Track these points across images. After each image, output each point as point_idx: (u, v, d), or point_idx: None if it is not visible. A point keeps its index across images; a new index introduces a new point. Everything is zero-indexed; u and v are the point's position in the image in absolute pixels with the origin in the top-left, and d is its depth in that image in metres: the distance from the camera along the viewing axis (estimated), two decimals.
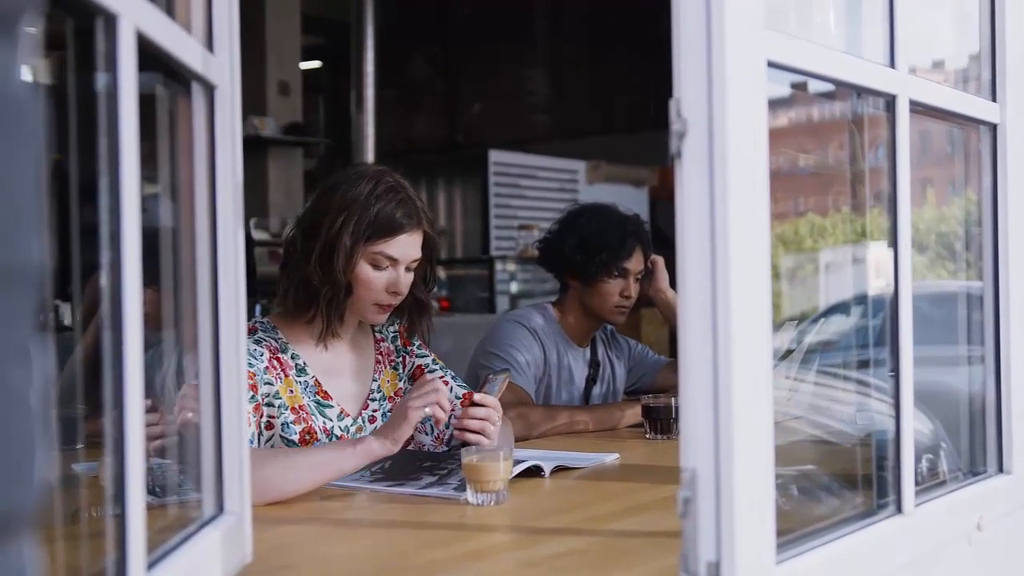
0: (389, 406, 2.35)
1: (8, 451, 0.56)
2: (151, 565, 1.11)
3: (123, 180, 1.02)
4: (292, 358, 2.23)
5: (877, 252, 1.90)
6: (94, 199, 1.04)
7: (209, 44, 1.37)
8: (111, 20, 1.01)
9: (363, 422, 2.29)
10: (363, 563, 1.60)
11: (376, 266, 2.20)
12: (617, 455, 2.38)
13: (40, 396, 0.59)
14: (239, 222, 1.41)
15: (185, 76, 1.31)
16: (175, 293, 1.39)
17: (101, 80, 1.03)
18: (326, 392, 2.25)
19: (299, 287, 2.21)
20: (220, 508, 1.39)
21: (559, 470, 2.20)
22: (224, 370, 1.40)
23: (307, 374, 2.23)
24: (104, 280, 1.03)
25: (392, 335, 2.43)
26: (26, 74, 0.59)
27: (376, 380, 2.35)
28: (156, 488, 1.40)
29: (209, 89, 1.36)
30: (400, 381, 2.40)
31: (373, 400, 2.34)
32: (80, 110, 1.05)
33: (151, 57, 1.13)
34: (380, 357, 2.39)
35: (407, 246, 2.22)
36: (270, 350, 2.18)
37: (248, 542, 1.44)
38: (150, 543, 1.08)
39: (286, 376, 2.20)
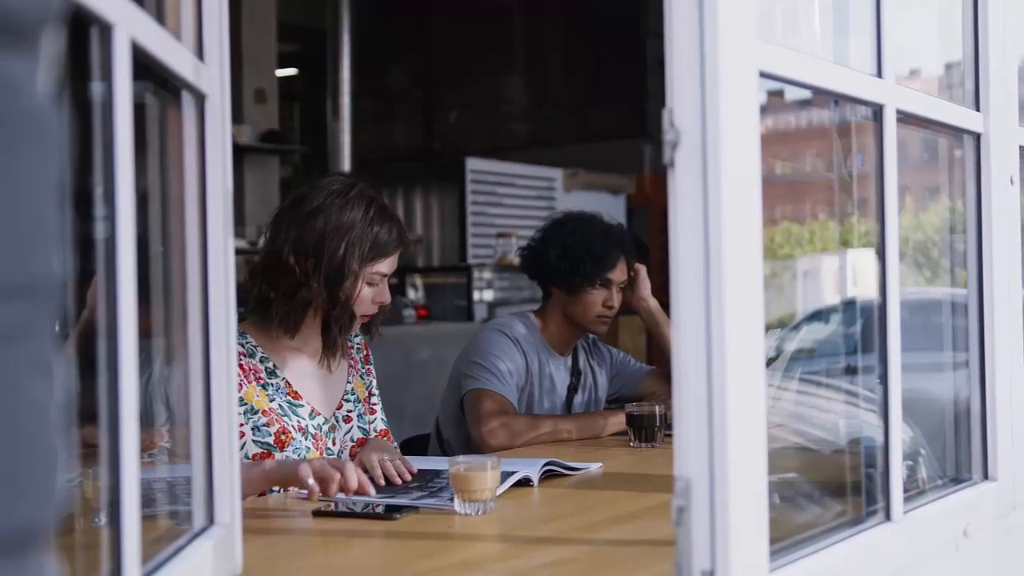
0: (362, 408, 2.45)
1: (31, 465, 0.56)
2: None
3: (118, 189, 1.02)
4: (261, 361, 2.29)
5: (855, 260, 1.91)
6: (87, 208, 1.03)
7: (200, 53, 1.36)
8: (106, 29, 1.00)
9: (337, 421, 2.38)
10: (353, 574, 1.59)
11: (370, 284, 2.31)
12: (600, 464, 2.39)
13: (60, 410, 0.59)
14: (229, 232, 1.40)
15: (176, 85, 1.30)
16: (164, 304, 1.38)
17: (95, 89, 1.02)
18: (296, 392, 2.31)
19: (301, 309, 2.27)
20: (211, 520, 1.38)
21: (548, 476, 2.20)
22: (214, 381, 1.39)
23: (278, 376, 2.30)
24: (99, 289, 1.02)
25: (357, 347, 2.52)
26: (47, 86, 0.58)
27: (350, 382, 2.44)
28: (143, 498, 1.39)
29: (200, 98, 1.36)
30: (365, 390, 2.50)
31: (348, 401, 2.43)
32: (73, 119, 1.04)
33: (142, 66, 1.12)
34: (352, 362, 2.48)
35: (395, 261, 2.35)
36: None
37: (239, 554, 1.43)
38: (141, 554, 1.07)
39: (250, 382, 2.25)
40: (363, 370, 2.50)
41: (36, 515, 0.56)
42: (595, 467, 2.37)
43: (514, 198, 8.18)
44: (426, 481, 2.14)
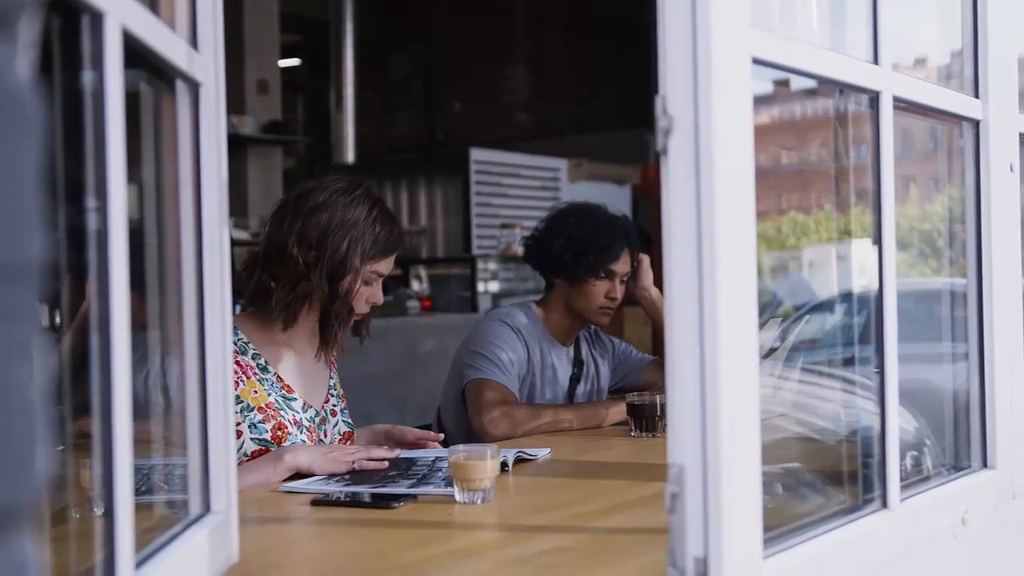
0: (343, 404, 2.50)
1: (11, 446, 0.56)
2: (138, 564, 1.11)
3: (110, 180, 1.02)
4: (253, 358, 2.32)
5: (860, 250, 1.91)
6: (75, 198, 1.04)
7: (193, 42, 1.36)
8: (97, 18, 1.00)
9: (326, 414, 2.43)
10: (350, 563, 1.60)
11: (367, 283, 2.34)
12: (548, 450, 2.41)
13: (41, 392, 0.59)
14: (224, 221, 1.41)
15: (169, 74, 1.31)
16: (159, 294, 1.38)
17: (86, 78, 1.02)
18: (289, 386, 2.34)
19: (300, 300, 2.30)
20: (207, 507, 1.38)
21: (519, 462, 2.25)
22: (210, 370, 1.39)
23: (270, 372, 2.32)
24: (91, 281, 1.02)
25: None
26: (25, 71, 0.58)
27: (332, 379, 2.49)
28: (139, 487, 1.39)
29: (194, 87, 1.36)
30: (341, 387, 2.54)
31: (332, 396, 2.47)
32: (63, 108, 1.04)
33: (135, 55, 1.12)
34: (332, 360, 2.51)
35: (392, 263, 2.39)
36: None
37: (235, 542, 1.44)
38: (135, 542, 1.08)
39: (248, 378, 2.28)
40: (336, 370, 2.55)
41: (14, 496, 0.57)
42: (544, 452, 2.40)
43: (518, 189, 8.18)
44: (405, 469, 2.15)
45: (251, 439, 2.23)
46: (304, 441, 2.29)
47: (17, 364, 0.56)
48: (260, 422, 2.25)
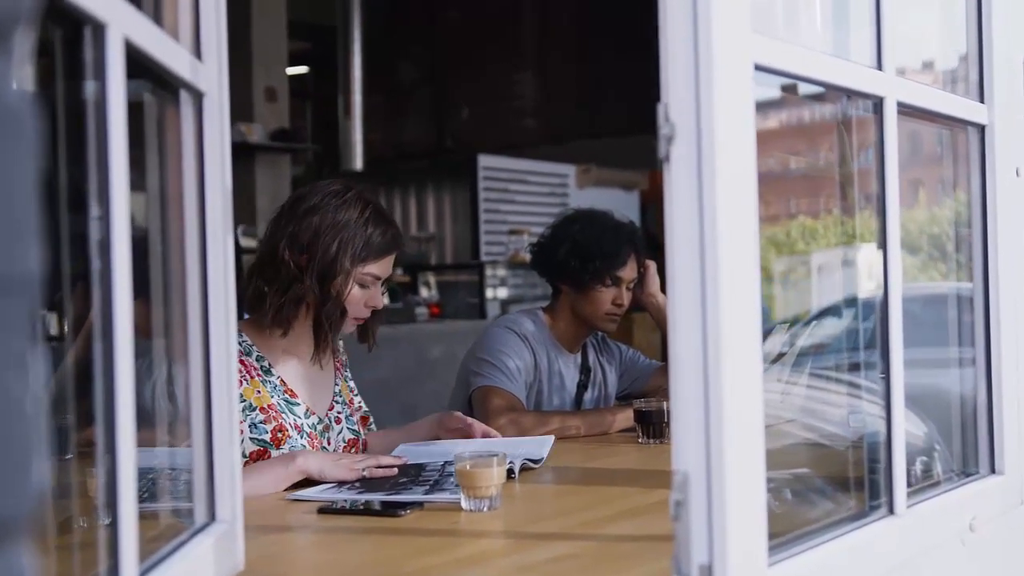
0: (349, 411, 2.49)
1: (7, 458, 0.56)
2: (143, 573, 1.11)
3: (112, 189, 1.02)
4: (257, 360, 2.32)
5: (868, 254, 1.91)
6: (82, 208, 1.04)
7: (197, 52, 1.36)
8: (99, 29, 1.01)
9: (330, 421, 2.42)
10: (356, 571, 1.60)
11: (362, 285, 2.33)
12: (552, 438, 2.43)
13: (37, 403, 0.59)
14: (228, 230, 1.41)
15: (173, 84, 1.31)
16: (164, 303, 1.39)
17: (89, 88, 1.03)
18: (292, 391, 2.35)
19: (293, 304, 2.29)
20: (212, 516, 1.39)
21: (525, 469, 2.24)
22: (214, 378, 1.39)
23: (273, 375, 2.33)
24: (94, 290, 1.03)
25: (340, 351, 2.57)
26: (21, 83, 0.59)
27: (337, 385, 2.49)
28: (144, 495, 1.39)
29: (197, 97, 1.36)
30: (351, 392, 2.54)
31: (337, 402, 2.47)
32: (67, 118, 1.05)
33: (139, 65, 1.13)
34: (338, 366, 2.52)
35: (390, 265, 2.38)
36: None
37: (240, 550, 1.44)
38: (141, 551, 1.08)
39: (252, 378, 2.29)
40: (346, 374, 2.55)
41: (11, 507, 0.57)
42: (548, 440, 2.43)
43: (527, 195, 8.19)
44: (415, 476, 2.15)
45: (251, 439, 2.24)
46: (304, 446, 2.29)
47: (13, 376, 0.56)
48: (261, 422, 2.25)
